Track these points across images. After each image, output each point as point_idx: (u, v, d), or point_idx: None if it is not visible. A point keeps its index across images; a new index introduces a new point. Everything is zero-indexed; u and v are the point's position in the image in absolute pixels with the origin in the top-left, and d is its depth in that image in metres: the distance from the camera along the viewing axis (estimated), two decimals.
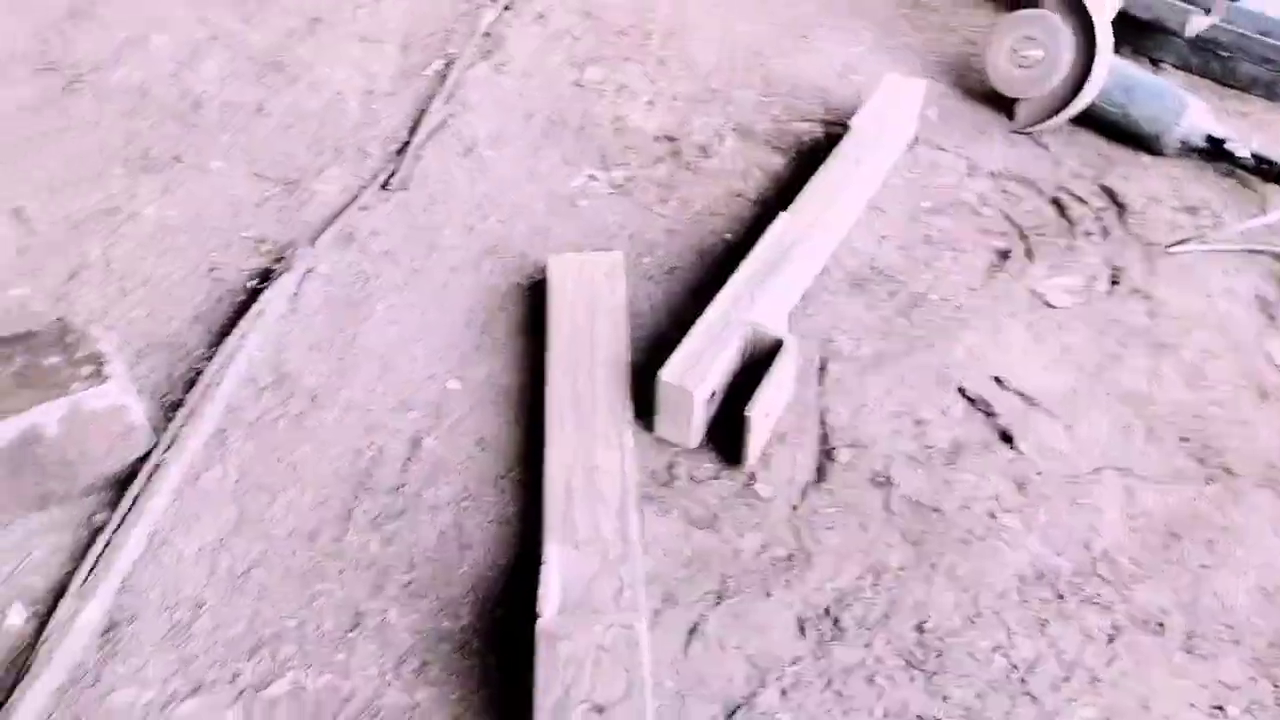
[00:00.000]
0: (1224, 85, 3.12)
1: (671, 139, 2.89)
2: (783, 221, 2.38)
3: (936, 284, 2.47)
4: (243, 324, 2.25)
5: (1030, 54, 2.86)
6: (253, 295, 2.34)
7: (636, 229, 2.61)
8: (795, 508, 1.98)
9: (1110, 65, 2.81)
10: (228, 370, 2.16)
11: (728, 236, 2.60)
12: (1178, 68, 3.17)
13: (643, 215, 2.64)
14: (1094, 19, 2.76)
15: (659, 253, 2.56)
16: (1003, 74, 2.92)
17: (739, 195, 2.73)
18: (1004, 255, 2.55)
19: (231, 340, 2.22)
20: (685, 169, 2.80)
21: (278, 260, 2.44)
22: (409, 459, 2.05)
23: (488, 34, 3.23)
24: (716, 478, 2.02)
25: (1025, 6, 2.90)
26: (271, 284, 2.35)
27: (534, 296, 2.39)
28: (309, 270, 2.41)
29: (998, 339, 2.34)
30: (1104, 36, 2.76)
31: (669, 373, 1.98)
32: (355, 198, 2.63)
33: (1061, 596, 1.84)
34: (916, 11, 3.41)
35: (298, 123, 2.87)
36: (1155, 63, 3.20)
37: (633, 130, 2.91)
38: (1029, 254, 2.56)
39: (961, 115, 2.99)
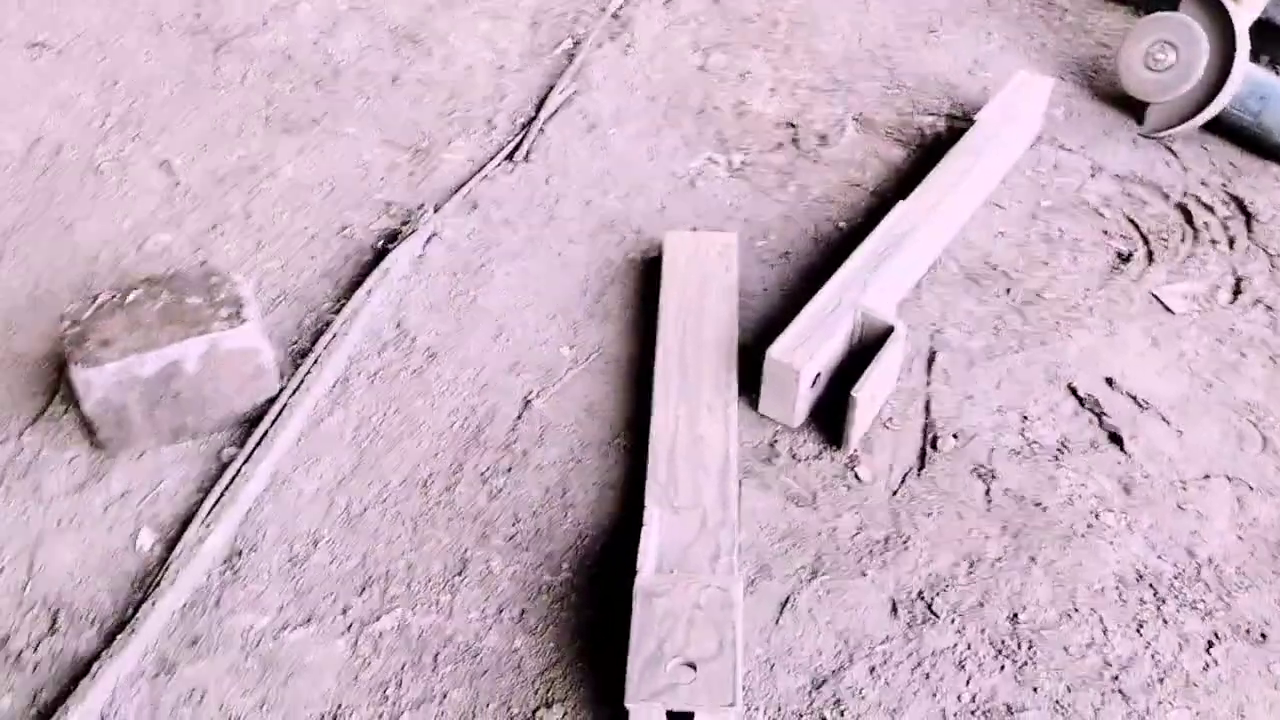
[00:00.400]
0: None
1: (792, 125, 2.91)
2: (899, 210, 2.39)
3: (1053, 283, 2.45)
4: (369, 281, 2.35)
5: (1165, 58, 2.80)
6: (380, 255, 2.45)
7: (752, 212, 2.64)
8: (895, 493, 2.00)
9: (1246, 73, 2.73)
10: (353, 324, 2.26)
11: (843, 224, 2.61)
12: None
13: (759, 199, 2.68)
14: (1234, 24, 2.69)
15: (773, 236, 2.58)
16: (1135, 77, 2.87)
17: (857, 185, 2.74)
18: (1124, 258, 2.51)
19: (358, 295, 2.32)
20: (804, 156, 2.82)
21: (404, 223, 2.54)
22: (519, 418, 2.13)
23: (616, 16, 3.29)
24: (818, 457, 2.05)
25: (1162, 9, 2.84)
26: (398, 245, 2.44)
27: (648, 272, 2.44)
28: (433, 234, 2.51)
29: (1113, 341, 2.31)
30: (1242, 42, 2.69)
31: (777, 350, 2.01)
32: (481, 168, 2.72)
33: (1162, 599, 1.82)
34: (1051, 11, 3.36)
35: (429, 93, 2.97)
36: None
37: (754, 116, 2.94)
38: (1150, 258, 2.51)
39: (1089, 116, 2.94)
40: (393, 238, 2.50)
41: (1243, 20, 2.71)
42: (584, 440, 2.09)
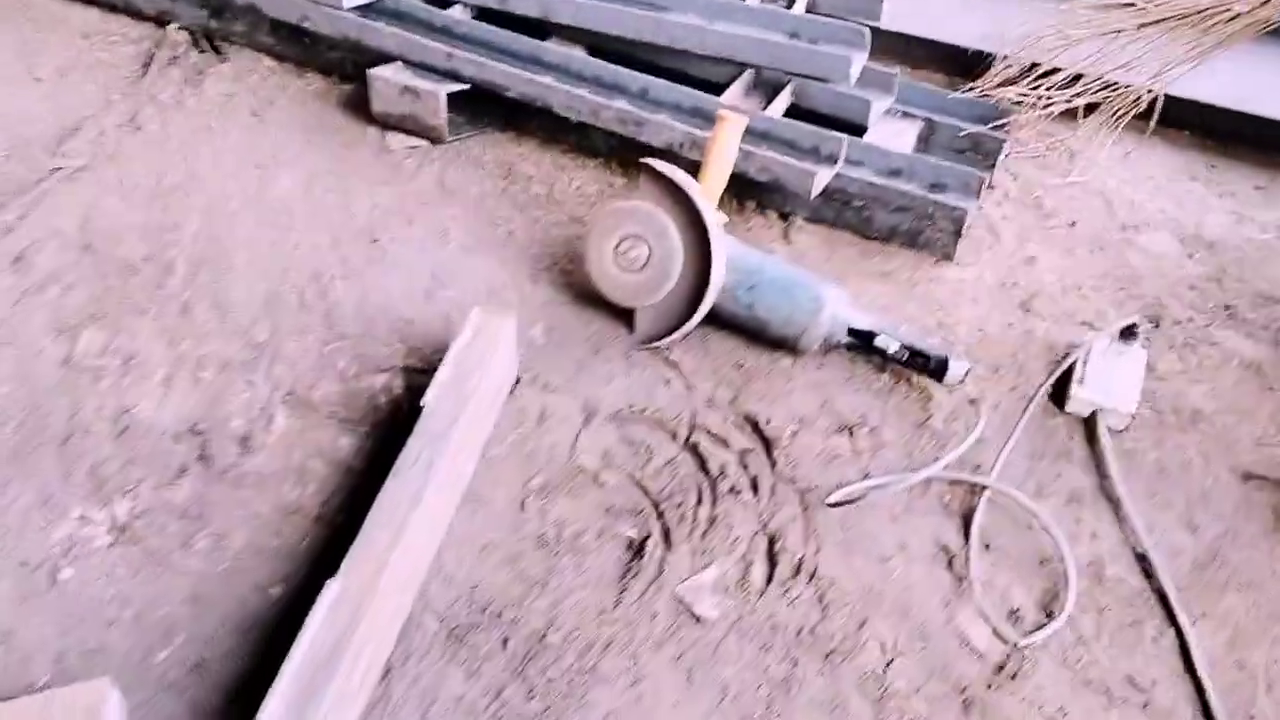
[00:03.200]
0: (865, 237, 2.74)
1: (198, 432, 2.16)
2: (331, 593, 1.72)
3: (558, 614, 1.89)
4: None
5: (637, 254, 2.34)
6: None
7: (146, 604, 1.88)
8: None
9: (730, 257, 2.34)
10: None
11: (275, 591, 1.91)
12: (811, 221, 2.77)
13: (157, 576, 1.92)
14: (699, 207, 2.27)
15: (179, 639, 1.84)
16: (611, 280, 2.39)
17: (295, 511, 2.05)
18: (637, 549, 2.01)
19: None
20: (220, 479, 2.08)
21: None
22: None
23: None
24: None
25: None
26: None
27: None
28: None
29: (639, 694, 1.79)
30: (715, 228, 2.28)
31: None
32: None
33: None
34: (512, 183, 2.84)
35: None
36: (785, 217, 2.78)
37: (143, 429, 2.16)
38: (667, 538, 2.03)
39: (573, 331, 2.44)
40: None
41: (707, 199, 2.30)
42: None
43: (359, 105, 3.05)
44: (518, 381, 2.30)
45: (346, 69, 3.16)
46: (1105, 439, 2.24)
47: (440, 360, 2.13)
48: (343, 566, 1.76)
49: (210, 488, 2.07)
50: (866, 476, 2.16)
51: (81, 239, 2.57)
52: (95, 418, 2.17)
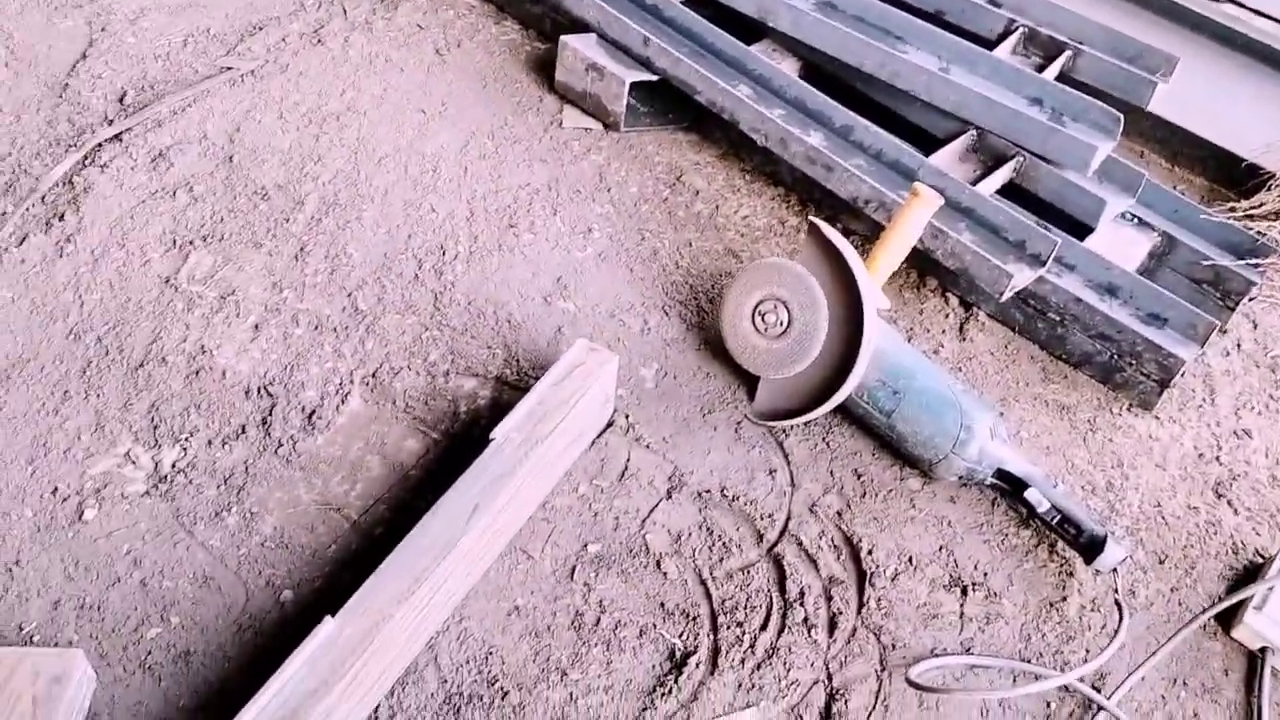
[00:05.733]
0: (1053, 356, 2.35)
1: (268, 393, 2.03)
2: (324, 634, 1.55)
3: (569, 714, 1.67)
4: None
5: (776, 318, 2.06)
6: None
7: (156, 571, 1.77)
8: None
9: (881, 351, 2.02)
10: None
11: (286, 595, 1.77)
12: (995, 320, 2.40)
13: (176, 543, 1.80)
14: (860, 286, 1.96)
15: (175, 619, 1.72)
16: (742, 340, 2.12)
17: (339, 509, 1.89)
18: (680, 661, 1.76)
19: None
20: (273, 452, 1.95)
21: None
22: None
23: (69, 183, 2.31)
24: None
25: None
26: None
27: None
28: None
29: None
30: (871, 313, 1.97)
31: None
32: None
33: None
34: (678, 195, 2.57)
35: None
36: (967, 306, 2.41)
37: (216, 375, 2.04)
38: (715, 657, 1.78)
39: (687, 384, 2.18)
40: None
41: (870, 287, 1.99)
42: None
43: (546, 69, 2.84)
44: (609, 424, 2.06)
45: (545, 26, 2.95)
46: (1268, 685, 1.84)
47: (535, 379, 1.92)
48: (345, 607, 1.59)
49: (261, 458, 1.94)
50: (968, 652, 1.83)
51: (226, 150, 2.47)
52: (175, 350, 2.07)
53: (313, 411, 2.02)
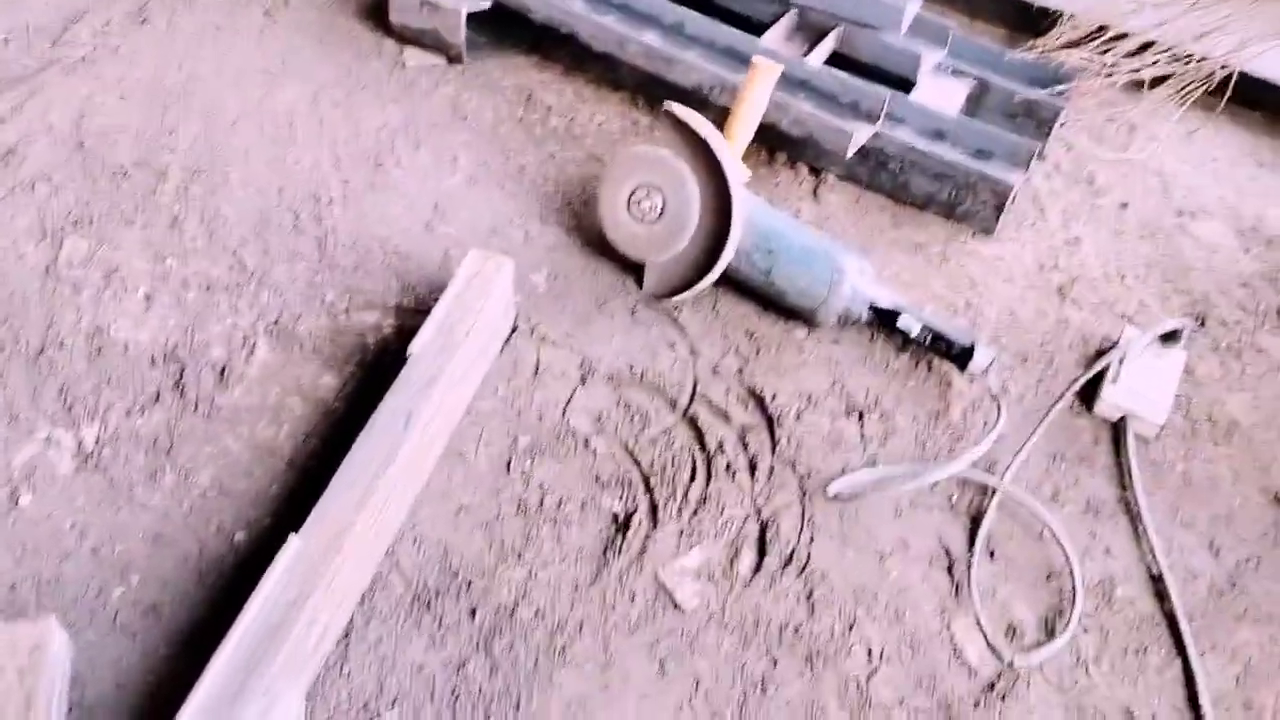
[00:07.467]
0: (899, 203, 2.57)
1: (175, 358, 2.06)
2: (291, 550, 1.63)
3: (531, 588, 1.80)
4: None
5: (651, 204, 2.19)
6: None
7: (105, 538, 1.80)
8: None
9: (751, 217, 2.18)
10: None
11: (239, 536, 1.83)
12: (843, 179, 2.59)
13: (117, 510, 1.84)
14: (721, 160, 2.11)
15: (134, 579, 1.76)
16: (622, 230, 2.25)
17: (271, 452, 1.95)
18: (622, 523, 1.91)
19: None
20: (192, 410, 1.99)
21: None
22: None
23: None
24: None
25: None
26: None
27: None
28: None
29: (609, 683, 1.70)
30: (736, 184, 2.12)
31: None
32: None
33: None
34: (531, 111, 2.68)
35: None
36: (816, 173, 2.60)
37: (119, 349, 2.06)
38: (654, 514, 1.93)
39: (578, 281, 2.30)
40: None
41: (729, 153, 2.14)
42: None
43: (379, 15, 2.88)
44: (514, 330, 2.17)
45: None
46: (1132, 447, 2.10)
47: (434, 301, 2.01)
48: (306, 523, 1.67)
49: (183, 419, 1.98)
50: (873, 465, 2.03)
51: (75, 137, 2.45)
52: (71, 333, 2.07)
53: (223, 368, 2.06)
